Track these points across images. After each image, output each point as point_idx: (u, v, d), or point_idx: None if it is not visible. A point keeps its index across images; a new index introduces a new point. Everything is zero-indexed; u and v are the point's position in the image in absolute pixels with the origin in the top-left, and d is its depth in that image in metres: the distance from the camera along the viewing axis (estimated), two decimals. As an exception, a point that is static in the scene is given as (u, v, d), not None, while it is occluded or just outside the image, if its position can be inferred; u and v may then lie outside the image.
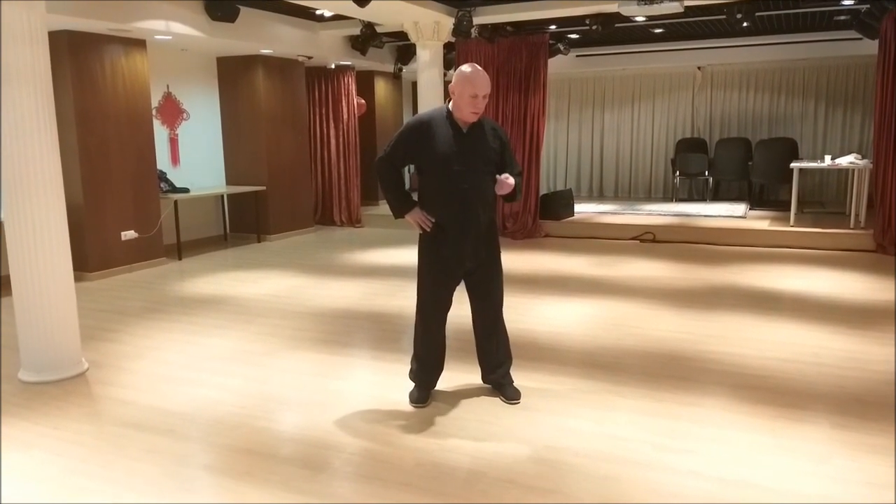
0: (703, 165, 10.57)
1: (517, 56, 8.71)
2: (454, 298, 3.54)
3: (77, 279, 4.82)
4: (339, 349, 4.53)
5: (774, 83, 10.86)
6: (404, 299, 5.73)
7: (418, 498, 2.68)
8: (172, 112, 8.30)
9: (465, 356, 3.99)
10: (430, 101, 8.13)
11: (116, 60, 6.85)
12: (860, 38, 8.71)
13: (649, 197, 11.70)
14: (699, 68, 11.22)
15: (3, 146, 3.81)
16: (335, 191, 10.25)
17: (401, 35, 8.82)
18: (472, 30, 7.83)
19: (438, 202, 3.39)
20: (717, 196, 10.97)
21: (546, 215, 9.16)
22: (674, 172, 11.00)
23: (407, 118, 10.84)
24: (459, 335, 4.23)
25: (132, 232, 7.12)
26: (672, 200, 11.01)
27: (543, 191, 9.98)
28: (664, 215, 9.42)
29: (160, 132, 7.99)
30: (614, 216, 9.49)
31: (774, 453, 2.98)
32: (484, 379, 3.73)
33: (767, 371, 3.97)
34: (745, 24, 7.57)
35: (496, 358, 3.65)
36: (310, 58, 9.22)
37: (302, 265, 7.37)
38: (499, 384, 3.65)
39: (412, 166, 3.51)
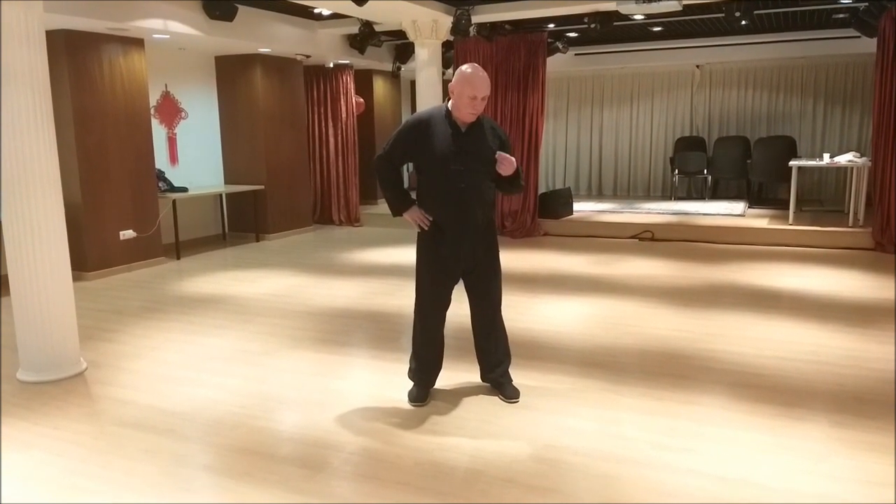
0: (702, 164, 10.57)
1: (516, 55, 8.71)
2: (453, 297, 3.54)
3: (75, 279, 4.81)
4: (337, 348, 4.53)
5: (773, 81, 10.85)
6: (403, 298, 5.73)
7: (417, 497, 2.68)
8: (171, 111, 8.29)
9: (464, 355, 3.99)
10: (428, 99, 8.12)
11: (114, 60, 6.84)
12: (858, 37, 8.73)
13: (648, 195, 11.69)
14: (698, 67, 11.21)
15: (1, 146, 3.81)
16: (334, 190, 10.24)
17: (399, 34, 8.81)
18: (471, 28, 7.82)
19: (436, 201, 3.39)
20: (715, 194, 10.96)
21: (545, 214, 9.16)
22: (672, 171, 11.00)
23: (405, 117, 10.81)
24: (458, 334, 4.23)
25: (131, 231, 7.12)
26: (671, 199, 11.00)
27: (542, 189, 9.99)
28: (663, 214, 9.42)
29: (158, 131, 7.98)
30: (613, 215, 9.49)
31: (773, 452, 2.99)
32: (483, 378, 3.73)
33: (766, 369, 3.97)
34: (743, 23, 7.56)
35: (495, 357, 3.65)
36: (308, 56, 9.21)
37: (301, 264, 7.36)
38: (498, 383, 3.65)
39: (411, 164, 3.51)
